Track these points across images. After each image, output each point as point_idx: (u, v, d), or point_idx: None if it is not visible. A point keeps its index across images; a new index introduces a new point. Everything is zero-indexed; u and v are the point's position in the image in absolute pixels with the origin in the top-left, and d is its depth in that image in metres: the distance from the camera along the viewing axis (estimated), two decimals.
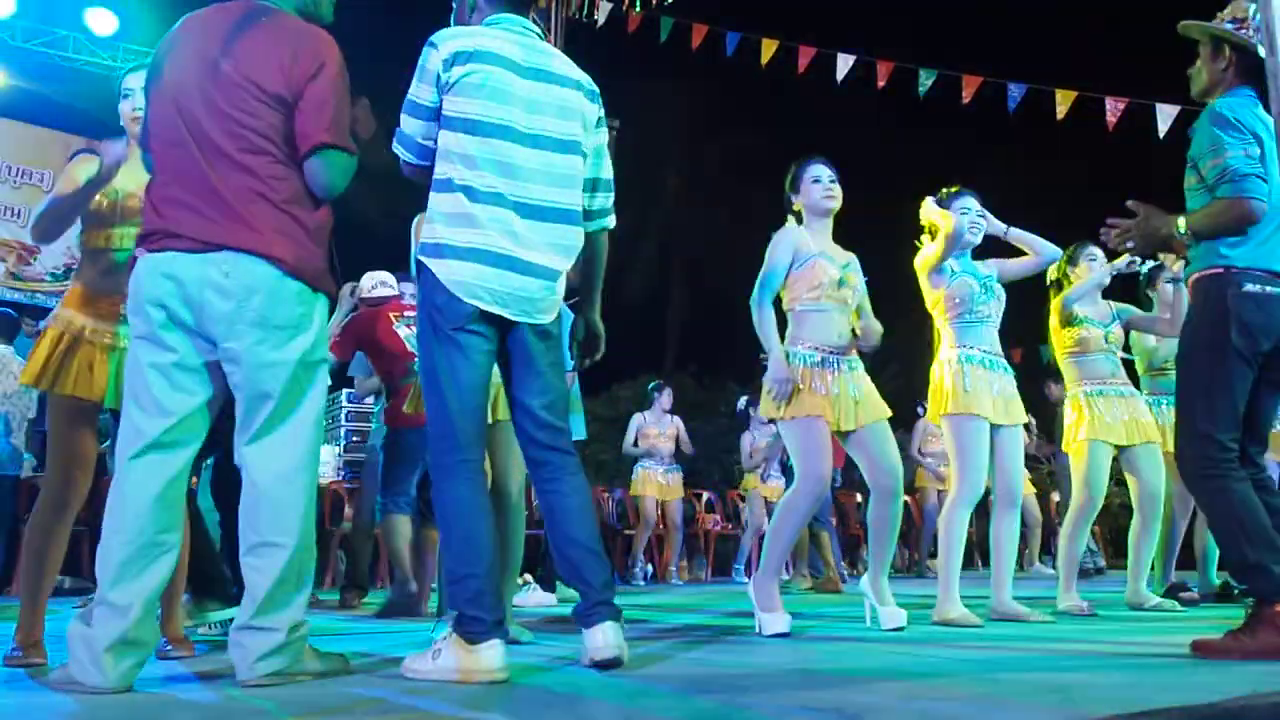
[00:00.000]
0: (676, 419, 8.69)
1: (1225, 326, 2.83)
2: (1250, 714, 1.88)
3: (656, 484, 8.47)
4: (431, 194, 2.58)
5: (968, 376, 4.04)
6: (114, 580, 2.29)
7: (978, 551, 9.78)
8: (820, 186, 3.78)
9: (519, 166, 2.57)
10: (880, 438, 3.71)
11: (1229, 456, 2.83)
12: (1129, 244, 3.04)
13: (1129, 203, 3.03)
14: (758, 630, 3.54)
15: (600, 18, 9.65)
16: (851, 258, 3.86)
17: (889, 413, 3.77)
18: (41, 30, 10.86)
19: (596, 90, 2.77)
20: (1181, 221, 2.94)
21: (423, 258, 2.53)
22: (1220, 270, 2.87)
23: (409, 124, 2.59)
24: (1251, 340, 2.83)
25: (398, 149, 2.62)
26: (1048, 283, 4.92)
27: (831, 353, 3.71)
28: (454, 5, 2.87)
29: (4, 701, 2.26)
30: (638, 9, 9.80)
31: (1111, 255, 4.70)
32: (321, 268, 2.50)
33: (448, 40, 2.59)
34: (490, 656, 2.37)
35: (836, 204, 3.79)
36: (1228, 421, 2.84)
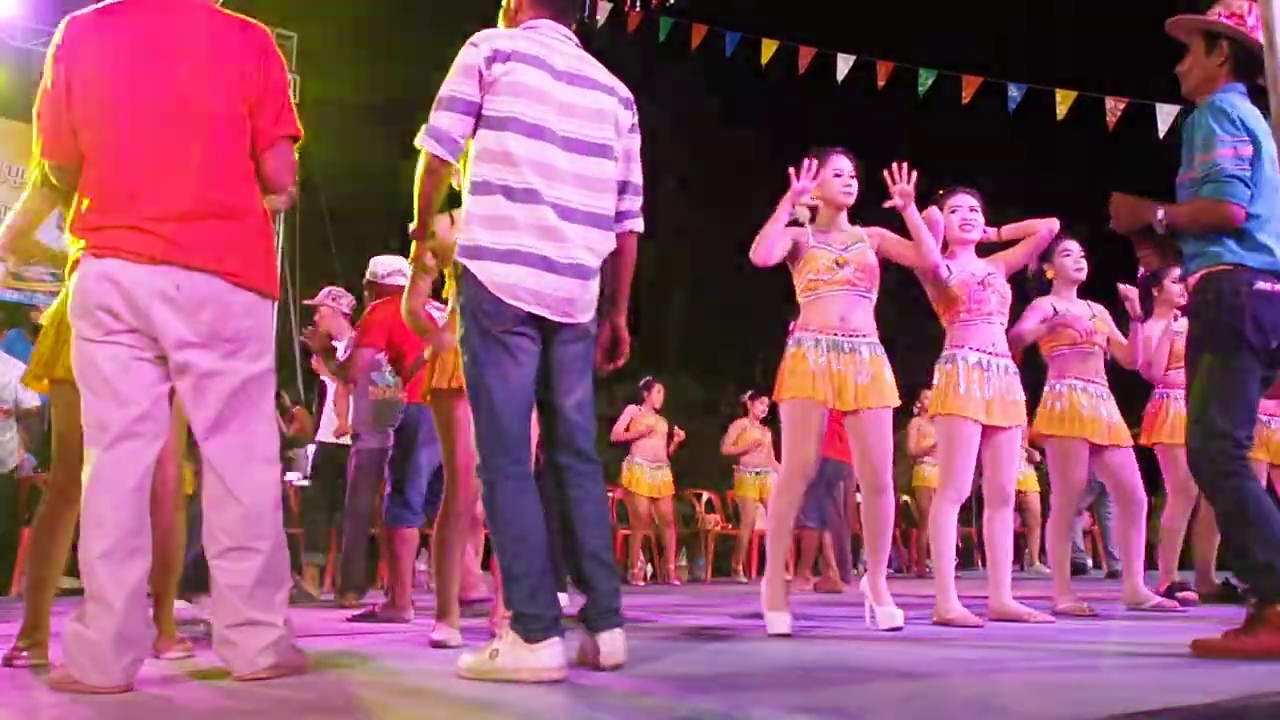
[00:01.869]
0: (663, 421, 8.68)
1: (1239, 323, 2.82)
2: (1250, 714, 1.89)
3: (647, 483, 8.47)
4: (468, 195, 2.58)
5: (960, 378, 4.05)
6: (98, 575, 2.29)
7: (978, 552, 9.78)
8: (841, 181, 3.83)
9: (554, 167, 2.58)
10: (874, 428, 3.72)
11: (1244, 454, 2.83)
12: (1111, 221, 3.04)
13: (1114, 195, 3.04)
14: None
15: (600, 18, 9.64)
16: (859, 238, 3.84)
17: (895, 402, 3.77)
18: (42, 30, 10.86)
19: (630, 97, 2.80)
20: (1160, 212, 2.92)
21: (462, 259, 2.54)
22: (1231, 267, 2.85)
23: (446, 119, 2.54)
24: (1265, 337, 2.83)
25: (429, 144, 2.54)
26: (1028, 275, 4.82)
27: (835, 334, 3.73)
28: (503, 4, 2.86)
29: (6, 701, 2.26)
30: (640, 9, 9.80)
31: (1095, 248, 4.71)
32: (269, 273, 2.50)
33: (488, 39, 2.60)
34: (550, 655, 2.37)
35: (852, 199, 3.86)
36: (1243, 418, 2.85)
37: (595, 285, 2.67)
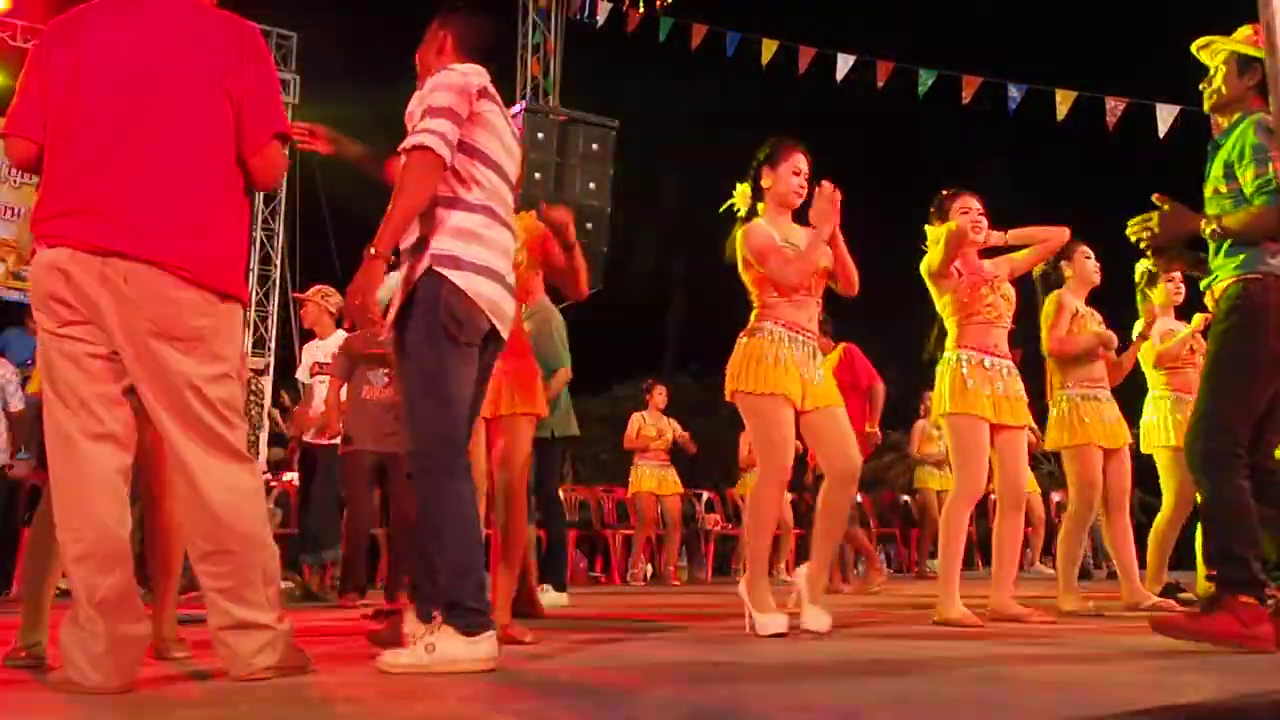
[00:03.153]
0: (673, 422, 8.68)
1: (1262, 330, 2.93)
2: (1250, 714, 1.89)
3: (653, 482, 8.47)
4: (442, 210, 2.65)
5: (968, 377, 4.04)
6: (77, 580, 2.26)
7: (978, 552, 9.79)
8: (798, 181, 3.72)
9: (502, 196, 2.80)
10: (837, 421, 3.63)
11: (1241, 450, 2.93)
12: (1146, 234, 3.08)
13: (1155, 196, 3.08)
14: (749, 630, 3.54)
15: (600, 18, 9.65)
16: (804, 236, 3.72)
17: (842, 402, 3.70)
18: (41, 29, 10.87)
19: None
20: (1214, 222, 2.99)
21: (440, 269, 2.59)
22: (1259, 276, 2.96)
23: (448, 127, 2.62)
24: None
25: (436, 143, 2.58)
26: (1034, 276, 4.80)
27: (801, 333, 3.64)
28: (429, 39, 2.93)
29: (4, 702, 2.26)
30: (640, 9, 9.80)
31: (1119, 253, 4.70)
32: (230, 273, 2.44)
33: (473, 75, 2.73)
34: (489, 647, 2.50)
35: (802, 199, 3.74)
36: (1243, 419, 2.95)
37: None
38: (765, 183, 3.77)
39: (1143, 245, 3.17)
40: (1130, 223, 3.11)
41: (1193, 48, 3.19)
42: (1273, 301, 2.94)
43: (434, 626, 2.52)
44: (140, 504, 2.85)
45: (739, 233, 3.75)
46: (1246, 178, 2.98)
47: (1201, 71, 3.21)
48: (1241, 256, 3.00)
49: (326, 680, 2.43)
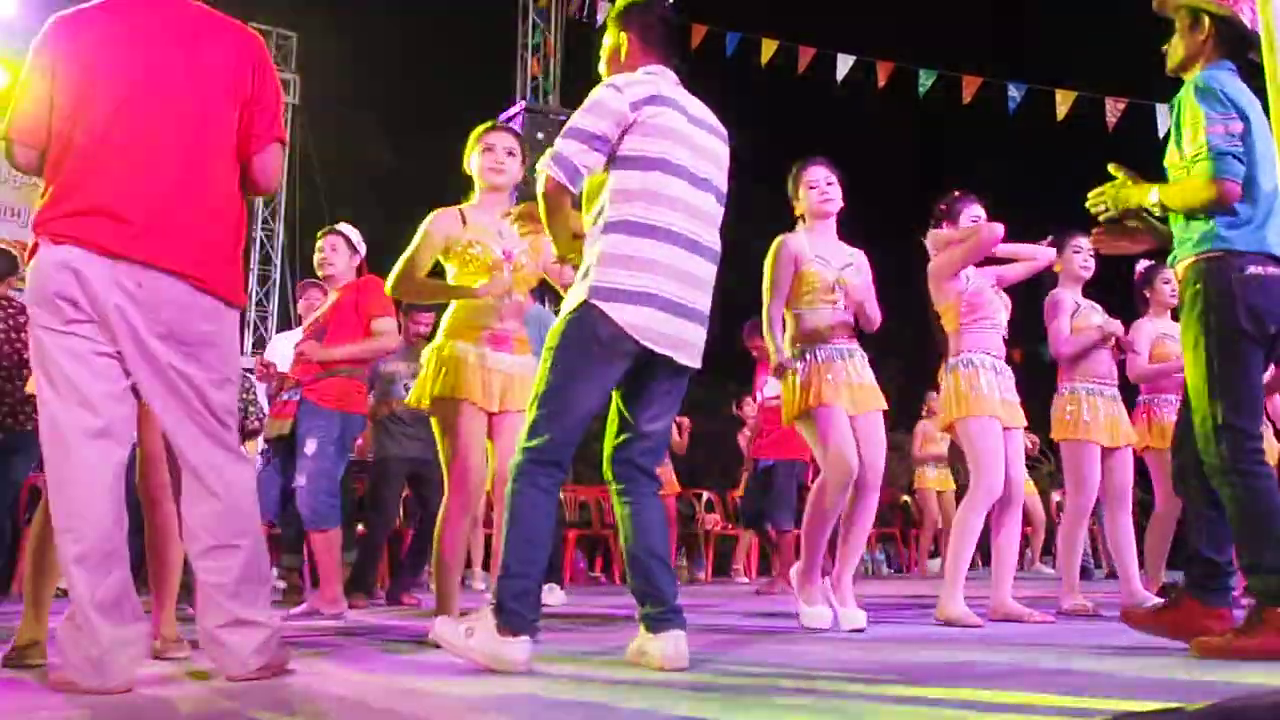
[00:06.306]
0: None
1: (1232, 311, 2.73)
2: (1250, 714, 1.88)
3: None
4: (605, 235, 2.60)
5: (981, 380, 4.05)
6: (76, 581, 2.26)
7: (978, 551, 9.78)
8: (816, 192, 3.87)
9: (693, 206, 2.68)
10: (875, 429, 3.83)
11: (1259, 447, 2.75)
12: (1101, 206, 3.01)
13: (1111, 166, 2.99)
14: (799, 624, 3.67)
15: (600, 18, 9.65)
16: (852, 258, 3.92)
17: (884, 405, 3.88)
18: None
19: (726, 135, 2.88)
20: (1154, 194, 2.88)
21: (597, 301, 2.54)
22: (1220, 254, 2.77)
23: (574, 147, 2.57)
24: (1260, 324, 2.74)
25: (551, 168, 2.57)
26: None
27: (831, 344, 3.82)
28: (611, 46, 2.87)
29: (4, 702, 2.26)
30: None
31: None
32: (234, 280, 2.48)
33: (634, 84, 2.65)
34: (520, 649, 2.49)
35: (834, 207, 3.89)
36: (1250, 409, 2.76)
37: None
38: (799, 210, 3.96)
39: (1101, 218, 3.05)
40: (1090, 195, 3.01)
41: (1155, 6, 3.04)
42: (1236, 279, 2.73)
43: (481, 612, 2.53)
44: (139, 504, 2.85)
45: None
46: (1185, 144, 2.81)
47: None
48: (1198, 233, 2.81)
49: (327, 680, 2.43)
